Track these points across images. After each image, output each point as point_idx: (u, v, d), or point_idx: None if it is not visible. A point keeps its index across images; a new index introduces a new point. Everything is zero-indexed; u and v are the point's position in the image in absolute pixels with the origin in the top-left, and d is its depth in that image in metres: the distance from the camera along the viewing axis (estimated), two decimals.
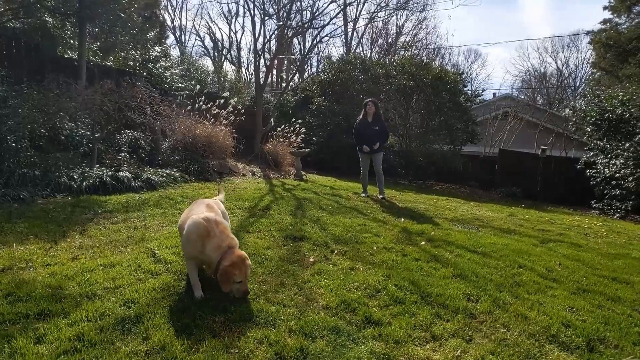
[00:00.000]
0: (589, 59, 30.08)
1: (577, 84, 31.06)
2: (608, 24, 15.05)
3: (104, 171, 6.32)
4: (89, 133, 7.37)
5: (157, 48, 12.37)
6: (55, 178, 5.76)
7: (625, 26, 14.28)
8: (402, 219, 5.85)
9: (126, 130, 8.18)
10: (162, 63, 11.97)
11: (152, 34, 12.58)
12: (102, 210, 4.92)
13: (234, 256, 2.66)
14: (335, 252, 3.99)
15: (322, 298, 2.87)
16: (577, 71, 32.05)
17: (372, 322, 2.57)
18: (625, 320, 2.87)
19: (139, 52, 11.40)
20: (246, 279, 2.70)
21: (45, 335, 2.15)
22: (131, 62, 11.29)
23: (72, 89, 7.09)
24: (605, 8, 14.74)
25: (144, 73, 10.91)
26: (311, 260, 3.67)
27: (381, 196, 7.68)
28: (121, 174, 6.34)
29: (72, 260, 3.29)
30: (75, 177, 5.95)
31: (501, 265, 3.94)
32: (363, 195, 7.73)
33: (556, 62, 33.87)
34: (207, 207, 3.06)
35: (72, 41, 10.00)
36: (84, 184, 5.83)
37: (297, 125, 11.89)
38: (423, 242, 4.57)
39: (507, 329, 2.60)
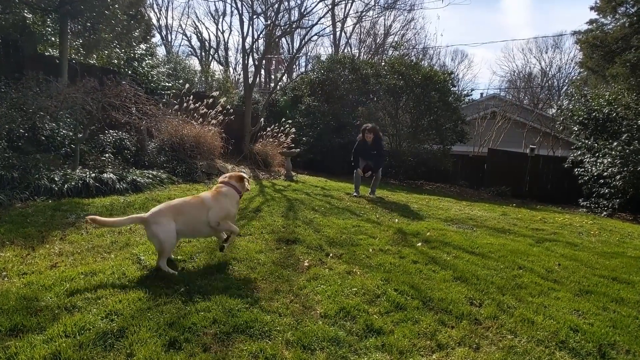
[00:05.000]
0: (572, 59, 30.59)
1: (561, 85, 31.50)
2: (594, 24, 15.22)
3: (87, 173, 6.05)
4: (71, 133, 7.09)
5: (142, 46, 12.04)
6: (34, 180, 5.48)
7: (611, 26, 14.46)
8: (396, 220, 5.74)
9: (110, 131, 7.89)
10: (147, 61, 11.66)
11: (137, 32, 12.25)
12: (85, 214, 4.67)
13: None
14: (331, 255, 3.84)
15: (320, 305, 2.72)
16: (561, 72, 32.52)
17: (374, 331, 2.43)
18: (633, 322, 2.79)
19: (123, 50, 11.06)
20: None
21: (17, 355, 1.94)
22: (115, 61, 10.96)
23: (52, 87, 6.78)
24: (591, 8, 14.91)
25: (129, 72, 10.60)
26: (306, 264, 3.51)
27: (372, 195, 7.68)
28: (105, 175, 6.09)
29: (51, 268, 3.07)
30: (56, 179, 5.67)
31: (501, 267, 3.84)
32: (355, 195, 7.61)
33: (540, 63, 34.28)
34: None
35: (53, 38, 9.65)
36: (66, 186, 5.56)
37: (287, 125, 11.72)
38: (419, 244, 4.46)
39: (514, 335, 2.49)
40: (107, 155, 7.30)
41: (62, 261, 3.23)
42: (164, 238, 2.98)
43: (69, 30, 8.98)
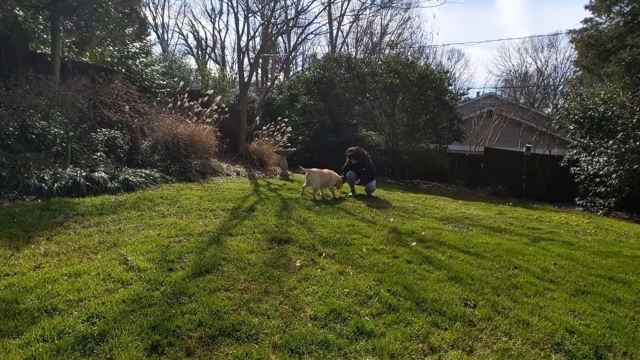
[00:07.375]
0: (568, 59, 30.65)
1: (557, 84, 31.54)
2: (589, 23, 15.19)
3: (78, 172, 5.96)
4: (62, 131, 6.98)
5: (136, 44, 11.91)
6: (24, 179, 5.40)
7: (605, 25, 14.43)
8: (392, 219, 5.68)
9: (102, 129, 7.79)
10: (142, 59, 11.53)
11: (131, 29, 12.12)
12: (74, 214, 4.59)
13: None
14: (323, 255, 3.78)
15: (310, 307, 2.65)
16: (557, 71, 32.55)
17: (365, 334, 2.36)
18: (630, 323, 2.73)
19: (117, 48, 10.93)
20: None
21: None
22: (109, 59, 10.83)
23: (42, 84, 6.67)
24: (586, 7, 14.89)
25: (123, 70, 10.48)
26: (298, 264, 3.44)
27: (368, 194, 7.62)
28: (96, 174, 6.00)
29: (34, 269, 2.99)
30: (46, 178, 5.58)
31: (496, 267, 3.78)
32: (350, 195, 7.55)
33: (536, 62, 34.33)
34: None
35: (45, 36, 9.52)
36: (56, 185, 5.48)
37: (283, 124, 11.64)
38: (414, 243, 4.40)
39: (509, 338, 2.43)
40: (99, 154, 7.20)
41: (46, 262, 3.15)
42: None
43: (61, 28, 8.86)
